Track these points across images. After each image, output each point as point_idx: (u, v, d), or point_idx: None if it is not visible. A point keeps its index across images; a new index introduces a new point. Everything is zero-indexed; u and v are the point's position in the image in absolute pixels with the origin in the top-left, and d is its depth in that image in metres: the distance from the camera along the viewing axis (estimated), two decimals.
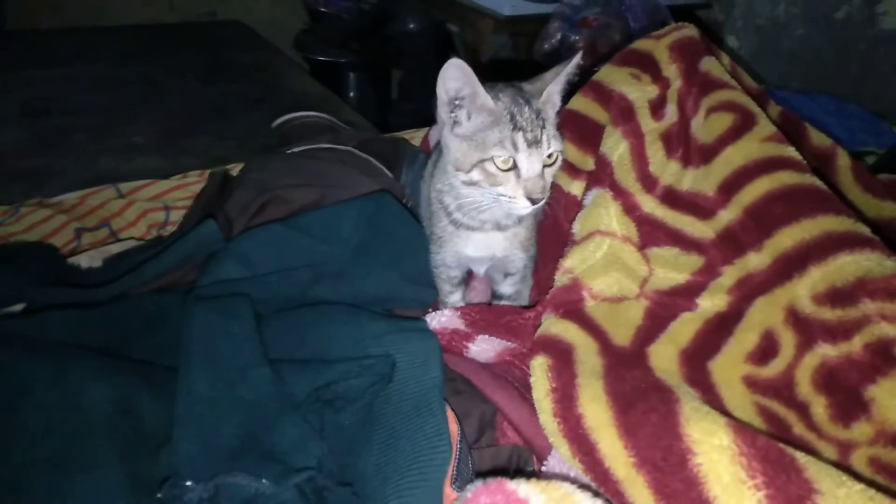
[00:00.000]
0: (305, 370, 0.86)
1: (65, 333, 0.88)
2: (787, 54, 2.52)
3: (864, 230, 0.85)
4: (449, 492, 0.72)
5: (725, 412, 0.72)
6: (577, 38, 2.31)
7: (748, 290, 0.92)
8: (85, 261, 1.13)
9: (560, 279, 0.96)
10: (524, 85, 0.96)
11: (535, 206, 0.90)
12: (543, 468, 0.78)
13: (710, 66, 1.11)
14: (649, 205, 1.06)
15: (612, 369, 0.79)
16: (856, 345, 0.78)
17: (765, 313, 0.89)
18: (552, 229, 1.11)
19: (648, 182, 1.08)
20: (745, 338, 0.89)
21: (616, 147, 1.08)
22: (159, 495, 0.69)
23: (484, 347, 0.94)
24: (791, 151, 0.96)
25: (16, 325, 0.91)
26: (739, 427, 0.64)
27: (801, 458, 0.61)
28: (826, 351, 0.80)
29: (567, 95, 1.01)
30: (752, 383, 0.85)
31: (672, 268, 1.00)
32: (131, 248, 1.21)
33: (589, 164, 1.12)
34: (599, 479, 0.70)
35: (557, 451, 0.76)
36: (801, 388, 0.81)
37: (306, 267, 1.05)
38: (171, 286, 1.06)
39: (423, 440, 0.75)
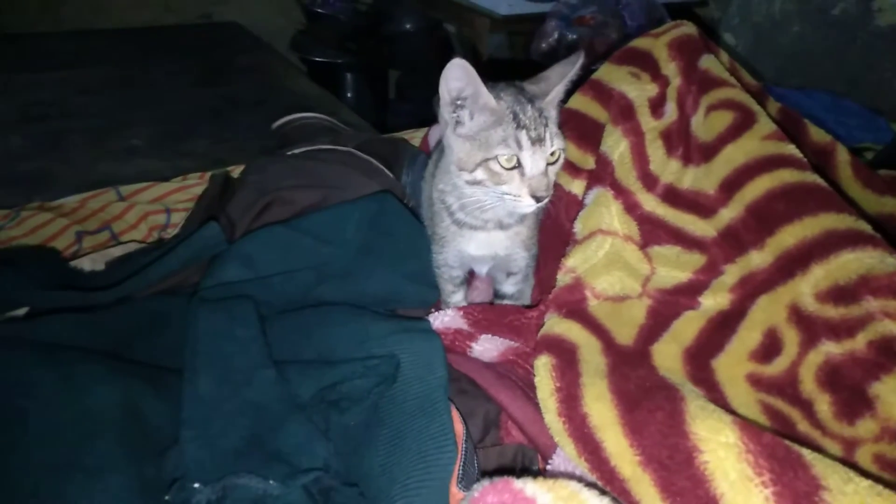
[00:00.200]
0: (310, 371, 0.86)
1: (69, 336, 0.88)
2: (784, 51, 2.53)
3: (866, 227, 0.85)
4: (455, 491, 0.72)
5: (730, 410, 0.72)
6: (574, 36, 2.31)
7: (751, 289, 0.93)
8: (87, 264, 1.13)
9: (562, 279, 0.96)
10: (525, 85, 0.96)
11: (540, 204, 0.90)
12: (548, 467, 0.78)
13: (710, 63, 1.11)
14: (650, 203, 1.06)
15: (616, 368, 0.79)
16: (859, 342, 0.78)
17: (768, 311, 0.89)
18: (554, 228, 1.11)
19: (649, 180, 1.08)
20: (748, 336, 0.89)
21: (616, 146, 1.08)
22: (167, 497, 0.70)
23: (487, 347, 0.95)
24: (792, 149, 0.96)
25: (20, 329, 0.91)
26: (745, 424, 0.64)
27: (807, 454, 0.61)
28: (830, 348, 0.81)
29: (566, 94, 1.01)
30: (756, 381, 0.86)
31: (674, 266, 1.00)
32: (133, 250, 1.21)
33: (589, 162, 1.12)
34: (605, 477, 0.70)
35: (563, 450, 0.76)
36: (806, 386, 0.82)
37: (309, 268, 1.05)
38: (174, 289, 1.06)
39: (428, 440, 0.75)
